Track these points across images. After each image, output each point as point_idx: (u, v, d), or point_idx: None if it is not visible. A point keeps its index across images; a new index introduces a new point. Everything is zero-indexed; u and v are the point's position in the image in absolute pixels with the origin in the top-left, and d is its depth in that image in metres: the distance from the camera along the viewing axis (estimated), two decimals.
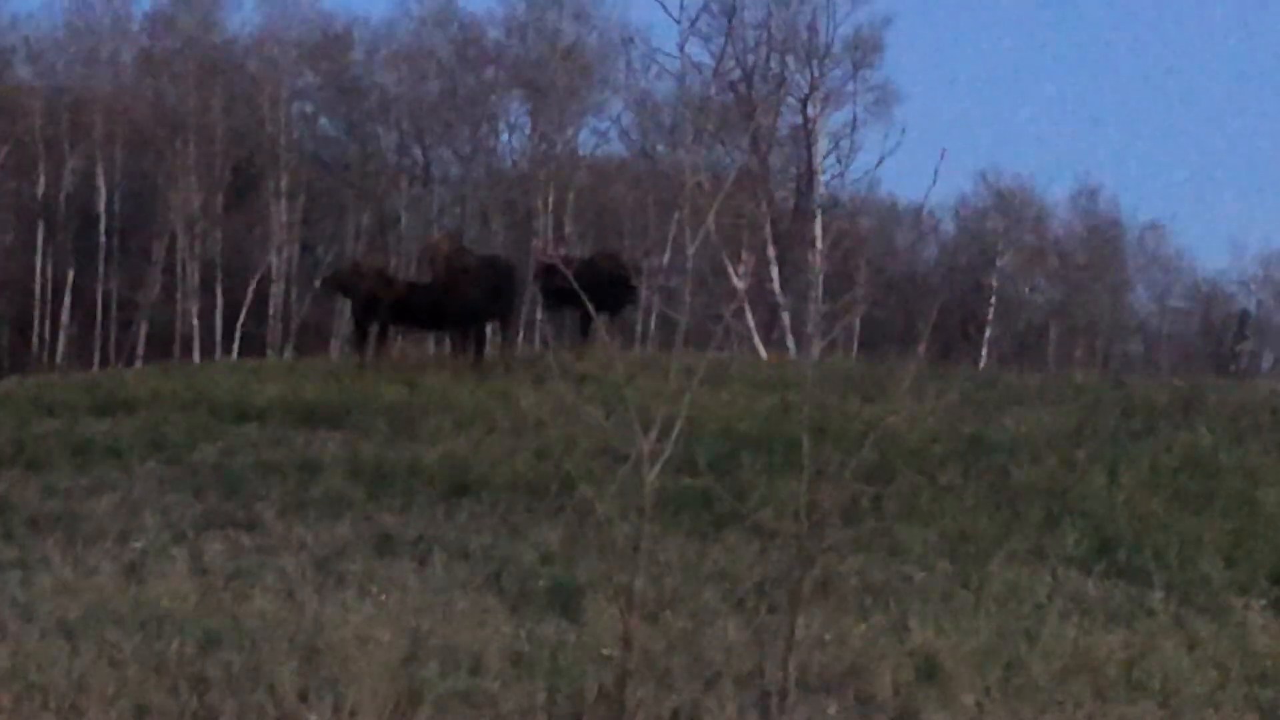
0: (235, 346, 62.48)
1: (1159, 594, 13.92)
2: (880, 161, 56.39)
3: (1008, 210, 79.67)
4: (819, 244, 54.83)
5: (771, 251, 54.83)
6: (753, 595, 12.83)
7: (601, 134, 70.07)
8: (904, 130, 71.90)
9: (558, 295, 29.84)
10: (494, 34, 70.87)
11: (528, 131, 71.01)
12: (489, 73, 70.16)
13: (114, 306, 63.95)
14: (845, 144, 57.58)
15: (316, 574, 14.24)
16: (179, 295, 63.24)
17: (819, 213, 55.61)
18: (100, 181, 65.47)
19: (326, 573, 14.31)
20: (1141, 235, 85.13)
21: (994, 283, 76.72)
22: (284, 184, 66.63)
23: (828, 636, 12.05)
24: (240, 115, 68.06)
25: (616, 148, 69.85)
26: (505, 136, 72.17)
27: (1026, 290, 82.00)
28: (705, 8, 54.99)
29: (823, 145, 57.11)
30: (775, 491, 16.22)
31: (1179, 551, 15.16)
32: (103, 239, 64.68)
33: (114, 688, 10.54)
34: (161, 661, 11.19)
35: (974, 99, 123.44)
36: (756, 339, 52.60)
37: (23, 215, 65.83)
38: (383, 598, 13.10)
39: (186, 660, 11.25)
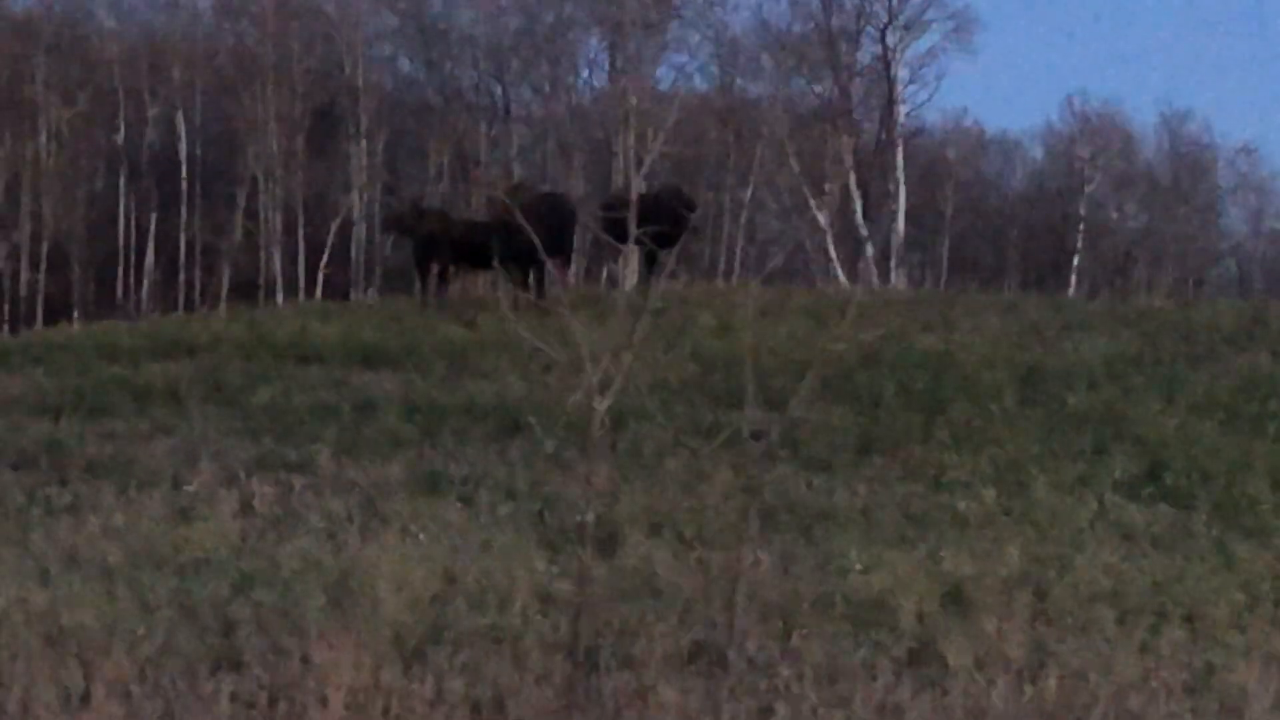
0: (318, 290, 62.63)
1: (1202, 516, 13.82)
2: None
3: (1095, 136, 78.77)
4: (901, 174, 54.68)
5: (854, 182, 54.69)
6: (787, 526, 12.81)
7: (681, 69, 69.78)
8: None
9: (620, 231, 29.73)
10: None
11: (606, 68, 70.76)
12: (567, 9, 69.86)
13: (197, 252, 64.25)
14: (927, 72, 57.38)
15: (362, 514, 14.30)
16: (261, 240, 63.48)
17: (901, 142, 55.45)
18: (181, 128, 65.75)
19: (372, 513, 14.37)
20: (1234, 158, 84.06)
21: (1082, 210, 75.95)
22: (364, 126, 66.70)
23: (859, 566, 12.03)
24: (319, 58, 68.12)
25: (697, 83, 69.53)
26: (585, 73, 71.96)
27: (1114, 216, 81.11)
28: None
29: (903, 74, 56.89)
30: (825, 420, 16.25)
31: (1226, 474, 15.04)
32: (184, 185, 64.96)
33: (143, 629, 10.61)
34: (194, 604, 11.28)
35: (1058, 23, 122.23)
36: (839, 271, 52.51)
37: (105, 163, 66.22)
38: (421, 536, 13.15)
39: (219, 602, 11.33)
